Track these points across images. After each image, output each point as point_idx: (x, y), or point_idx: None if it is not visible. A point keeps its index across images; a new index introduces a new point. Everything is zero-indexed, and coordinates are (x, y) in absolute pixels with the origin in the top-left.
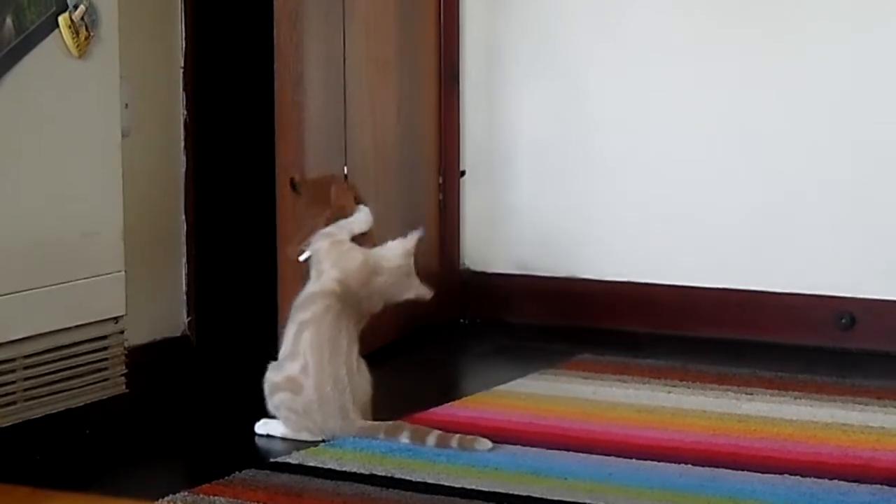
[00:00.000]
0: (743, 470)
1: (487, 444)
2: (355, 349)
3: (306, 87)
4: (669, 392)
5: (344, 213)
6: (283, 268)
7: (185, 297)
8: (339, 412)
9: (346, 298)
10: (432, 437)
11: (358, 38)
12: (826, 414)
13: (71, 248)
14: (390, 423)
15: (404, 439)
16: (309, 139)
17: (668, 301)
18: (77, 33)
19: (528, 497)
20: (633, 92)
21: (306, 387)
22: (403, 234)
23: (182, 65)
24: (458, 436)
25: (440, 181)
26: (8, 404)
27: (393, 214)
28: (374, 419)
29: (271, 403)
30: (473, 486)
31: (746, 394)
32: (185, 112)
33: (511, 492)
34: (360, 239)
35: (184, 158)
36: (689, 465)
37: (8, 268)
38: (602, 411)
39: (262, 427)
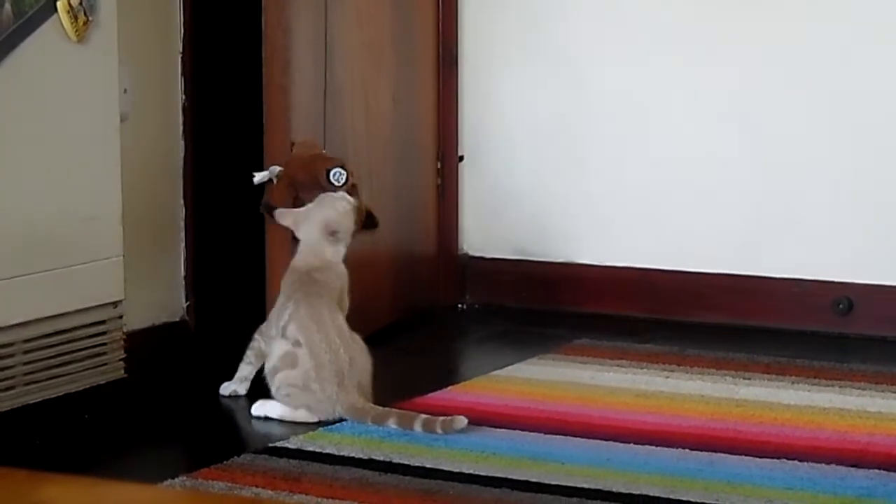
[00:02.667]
0: (740, 454)
1: (463, 421)
2: (340, 318)
3: (294, 73)
4: (667, 377)
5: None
6: (270, 248)
7: (183, 282)
8: (336, 377)
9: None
10: (419, 423)
11: (349, 22)
12: (824, 399)
13: (70, 233)
14: (380, 408)
15: (392, 425)
16: (297, 124)
17: (666, 286)
18: (76, 18)
19: (526, 481)
20: (632, 77)
21: (300, 356)
22: (399, 220)
23: (181, 50)
24: (440, 419)
25: (438, 166)
26: (7, 388)
27: (389, 199)
28: (374, 403)
29: (274, 388)
30: (471, 471)
31: (744, 379)
32: (184, 97)
33: (509, 476)
34: None
35: (182, 143)
36: (687, 450)
37: (7, 253)
38: (600, 396)
39: (258, 408)
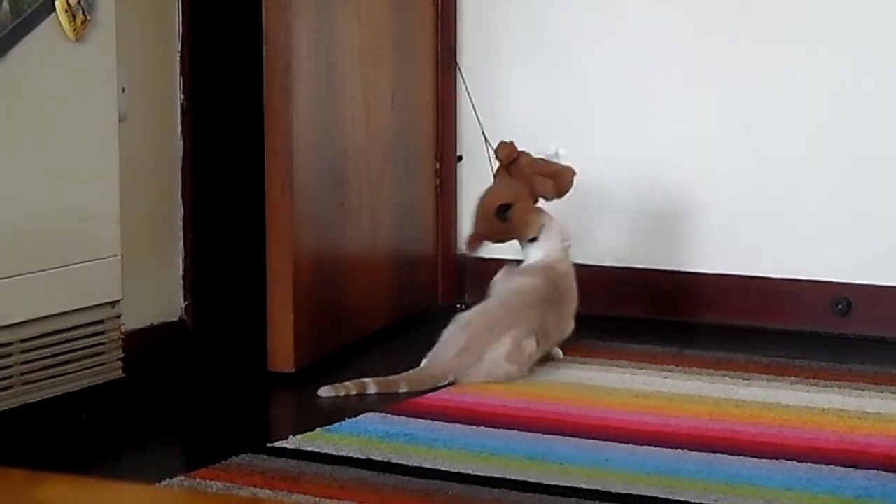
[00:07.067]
0: (739, 455)
1: None
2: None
3: (295, 73)
4: (666, 377)
5: None
6: (270, 248)
7: (181, 282)
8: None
9: None
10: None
11: (350, 22)
12: (823, 399)
13: (68, 233)
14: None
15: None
16: (297, 124)
17: (664, 286)
18: (74, 17)
19: (525, 482)
20: (631, 76)
21: None
22: (398, 220)
23: (179, 49)
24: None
25: (437, 166)
26: (5, 388)
27: (388, 199)
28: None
29: None
30: (470, 471)
31: (743, 379)
32: (182, 96)
33: (507, 476)
34: None
35: (181, 143)
36: (686, 451)
37: (5, 252)
38: (599, 396)
39: None
